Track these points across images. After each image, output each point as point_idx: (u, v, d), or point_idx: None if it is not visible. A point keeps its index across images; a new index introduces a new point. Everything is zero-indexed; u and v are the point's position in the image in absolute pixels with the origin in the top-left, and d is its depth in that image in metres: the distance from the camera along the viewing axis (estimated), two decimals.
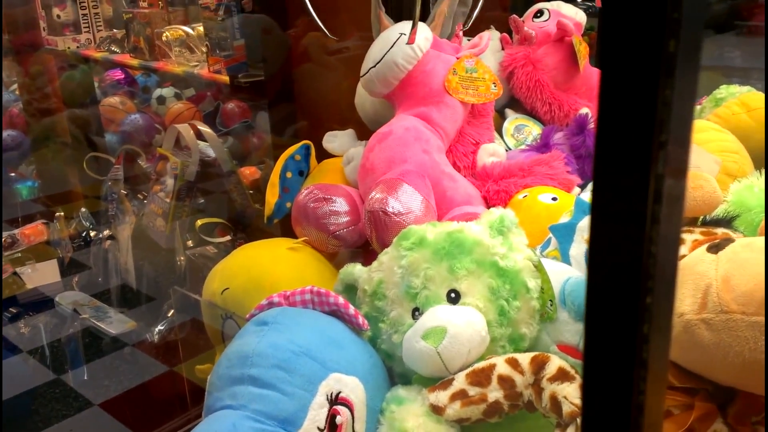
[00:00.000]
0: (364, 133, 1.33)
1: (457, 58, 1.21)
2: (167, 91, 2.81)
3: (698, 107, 1.42)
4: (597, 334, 0.24)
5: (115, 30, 2.72)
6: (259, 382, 0.70)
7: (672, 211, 0.22)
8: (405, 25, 1.20)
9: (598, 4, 1.69)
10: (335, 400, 0.73)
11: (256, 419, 0.67)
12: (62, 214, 2.10)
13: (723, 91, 1.34)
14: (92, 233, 2.07)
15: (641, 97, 0.21)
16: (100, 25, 2.74)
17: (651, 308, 0.23)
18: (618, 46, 0.21)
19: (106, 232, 2.02)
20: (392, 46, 1.17)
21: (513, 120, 1.42)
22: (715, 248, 0.60)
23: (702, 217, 0.74)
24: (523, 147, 1.34)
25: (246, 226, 1.86)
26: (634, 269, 0.22)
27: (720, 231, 0.71)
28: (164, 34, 2.21)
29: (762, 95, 1.18)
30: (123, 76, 2.98)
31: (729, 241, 0.61)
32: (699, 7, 0.21)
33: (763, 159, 1.01)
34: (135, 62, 2.45)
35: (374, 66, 1.18)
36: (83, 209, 2.14)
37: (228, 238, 1.72)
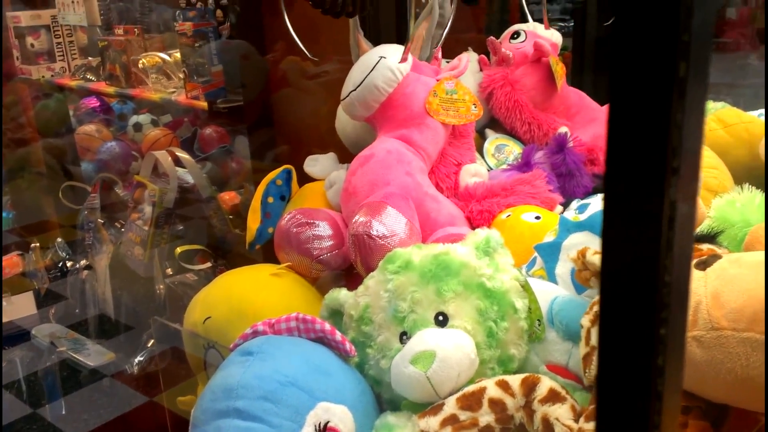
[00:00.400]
0: (345, 156, 1.33)
1: (437, 80, 1.22)
2: (144, 118, 2.79)
3: None
4: (611, 366, 0.23)
5: (90, 58, 2.70)
6: (245, 415, 0.68)
7: (685, 237, 0.22)
8: (384, 49, 1.21)
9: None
10: (323, 430, 0.71)
11: None
12: (38, 244, 2.05)
13: None
14: (69, 263, 2.03)
15: (654, 122, 0.20)
16: (75, 53, 2.72)
17: (665, 340, 0.22)
18: (628, 70, 0.20)
19: (83, 262, 1.98)
20: (372, 70, 1.17)
21: (493, 140, 1.43)
22: (702, 265, 0.60)
23: None
24: (504, 167, 1.35)
25: (227, 252, 1.84)
26: (648, 299, 0.22)
27: (705, 247, 0.71)
28: (140, 61, 2.19)
29: (737, 111, 1.20)
30: (98, 104, 2.94)
31: (716, 257, 0.61)
32: (707, 28, 0.20)
33: (741, 174, 1.03)
34: (111, 90, 2.43)
35: (354, 89, 1.18)
36: (59, 239, 2.10)
37: (208, 264, 1.69)
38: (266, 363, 0.73)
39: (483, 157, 1.40)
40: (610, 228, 0.23)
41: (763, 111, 1.24)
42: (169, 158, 1.81)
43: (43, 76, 2.68)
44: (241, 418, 0.68)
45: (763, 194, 0.81)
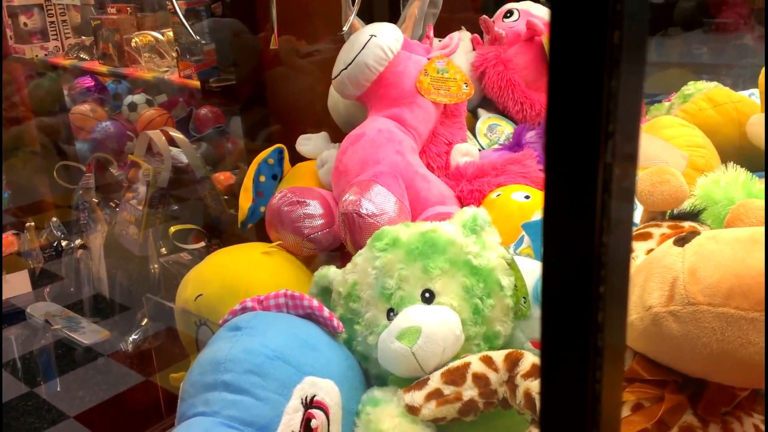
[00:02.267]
0: (337, 135, 1.33)
1: (429, 59, 1.22)
2: (138, 98, 2.78)
3: (667, 104, 1.44)
4: (552, 324, 0.24)
5: (83, 37, 2.68)
6: (233, 388, 0.69)
7: (622, 200, 0.23)
8: (375, 27, 1.20)
9: None
10: (310, 404, 0.72)
11: (230, 425, 0.67)
12: (33, 224, 2.06)
13: (691, 87, 1.37)
14: (63, 243, 2.03)
15: (588, 88, 0.21)
16: (68, 33, 2.70)
17: (605, 297, 0.23)
18: (565, 39, 0.21)
19: (78, 242, 1.99)
20: (363, 48, 1.17)
21: (485, 120, 1.43)
22: (681, 241, 0.61)
23: (669, 211, 0.75)
24: (496, 146, 1.35)
25: (221, 232, 1.84)
26: (586, 259, 0.22)
27: (687, 224, 0.72)
28: (133, 40, 2.18)
29: (728, 90, 1.20)
30: (93, 84, 2.93)
31: (695, 234, 0.62)
32: (641, 1, 0.21)
33: (730, 153, 1.03)
34: (104, 69, 2.42)
35: (345, 68, 1.18)
36: (54, 219, 2.10)
37: (202, 244, 1.70)
38: (254, 338, 0.74)
39: (475, 136, 1.41)
40: (550, 192, 0.23)
41: (754, 90, 1.24)
42: (163, 138, 1.81)
43: (36, 56, 2.66)
44: (228, 390, 0.69)
45: (748, 173, 0.82)
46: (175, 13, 1.47)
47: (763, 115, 1.06)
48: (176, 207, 1.93)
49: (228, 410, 0.68)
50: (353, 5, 1.31)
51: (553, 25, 0.21)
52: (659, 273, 0.59)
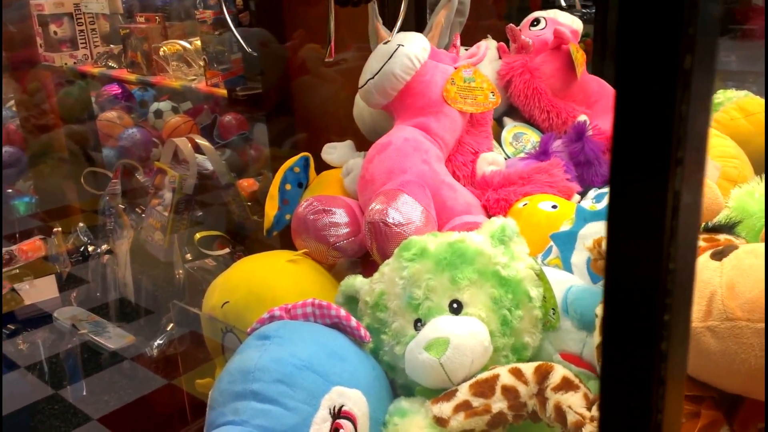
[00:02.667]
0: (362, 144, 1.33)
1: (455, 68, 1.22)
2: (164, 105, 2.82)
3: None
4: (615, 352, 0.24)
5: (112, 45, 2.73)
6: (261, 397, 0.69)
7: (689, 226, 0.22)
8: (403, 36, 1.21)
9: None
10: (338, 414, 0.72)
11: None
12: (60, 229, 2.09)
13: (720, 96, 1.35)
14: (90, 248, 2.06)
15: (658, 113, 0.21)
16: (97, 41, 2.75)
17: (669, 325, 0.22)
18: (634, 62, 0.21)
19: (104, 247, 2.01)
20: (390, 57, 1.17)
21: (511, 128, 1.42)
22: (719, 255, 0.60)
23: (704, 223, 0.74)
24: (522, 155, 1.34)
25: (245, 239, 1.86)
26: (652, 286, 0.22)
27: (722, 237, 0.70)
28: (161, 49, 2.21)
29: (759, 100, 1.18)
30: (120, 91, 2.98)
31: (733, 247, 0.61)
32: (713, 21, 0.21)
33: (763, 164, 1.01)
34: (132, 77, 2.46)
35: (372, 77, 1.18)
36: (81, 224, 2.13)
37: (227, 250, 1.71)
38: (282, 347, 0.74)
39: (501, 145, 1.40)
40: (615, 216, 0.23)
41: None
42: (189, 145, 1.83)
43: (65, 64, 2.71)
44: (257, 400, 0.69)
45: None
46: (226, 23, 1.49)
47: None
48: (201, 213, 1.95)
49: (257, 419, 0.68)
50: (378, 15, 1.32)
51: (622, 49, 0.21)
52: (697, 287, 0.58)
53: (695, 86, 0.20)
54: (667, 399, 0.23)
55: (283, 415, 0.68)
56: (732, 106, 1.18)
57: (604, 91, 1.47)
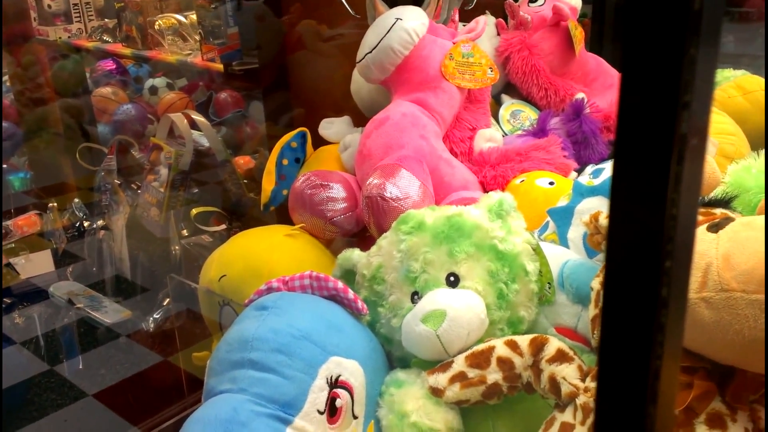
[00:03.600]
0: (360, 119, 1.33)
1: (454, 43, 1.21)
2: (159, 81, 2.79)
3: None
4: (615, 296, 0.24)
5: (106, 19, 2.70)
6: (259, 366, 0.70)
7: (693, 173, 0.22)
8: (401, 10, 1.20)
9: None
10: (335, 384, 0.73)
11: (257, 402, 0.67)
12: (55, 204, 2.08)
13: (717, 75, 1.34)
14: (86, 224, 2.05)
15: (667, 55, 0.20)
16: (92, 15, 2.72)
17: (670, 272, 0.22)
18: (643, 4, 0.20)
19: (100, 222, 2.01)
20: (388, 32, 1.16)
21: (509, 105, 1.42)
22: (715, 227, 0.60)
23: (701, 197, 0.74)
24: (519, 132, 1.34)
25: (241, 215, 1.86)
26: (655, 231, 0.22)
27: (719, 211, 0.71)
28: (157, 23, 2.18)
29: (757, 78, 1.18)
30: (114, 67, 2.95)
31: (729, 220, 0.61)
32: None
33: (760, 141, 1.02)
34: (127, 51, 2.43)
35: (370, 52, 1.17)
36: (76, 200, 2.12)
37: (223, 226, 1.71)
38: (280, 317, 0.75)
39: (498, 122, 1.40)
40: (621, 162, 0.23)
41: None
42: (185, 121, 1.82)
43: (60, 38, 2.68)
44: (255, 369, 0.70)
45: None
46: None
47: None
48: (197, 190, 1.94)
49: (255, 388, 0.68)
50: None
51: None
52: (693, 259, 0.59)
53: (704, 29, 0.20)
54: (666, 345, 0.23)
55: (281, 384, 0.69)
56: (730, 84, 1.18)
57: (602, 70, 1.46)
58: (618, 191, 0.23)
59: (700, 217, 0.71)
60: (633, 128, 0.22)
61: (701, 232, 0.61)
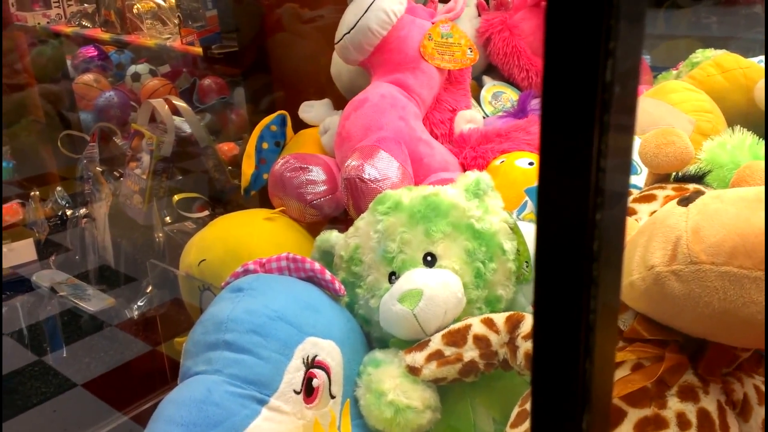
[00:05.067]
0: (340, 102, 1.32)
1: (433, 23, 1.20)
2: (142, 68, 2.76)
3: (675, 71, 1.42)
4: (547, 252, 0.24)
5: (86, 4, 2.66)
6: (235, 347, 0.69)
7: (622, 123, 0.22)
8: None
9: None
10: (312, 364, 0.73)
11: (232, 383, 0.67)
12: (37, 193, 2.06)
13: (699, 55, 1.34)
14: (68, 212, 2.04)
15: (590, 5, 0.20)
16: (71, 0, 2.68)
17: (600, 225, 0.22)
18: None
19: (83, 211, 1.99)
20: (366, 12, 1.15)
21: (490, 87, 1.41)
22: (685, 201, 0.60)
23: (674, 174, 0.74)
24: (500, 113, 1.34)
25: (225, 202, 1.85)
26: (583, 183, 0.22)
27: (692, 187, 0.71)
28: (135, 7, 2.15)
29: (736, 56, 1.18)
30: (96, 53, 2.91)
31: (699, 194, 0.61)
32: None
33: (737, 119, 1.02)
34: (106, 36, 2.40)
35: (348, 32, 1.16)
36: (59, 188, 2.10)
37: (206, 213, 1.70)
38: (256, 299, 0.74)
39: (480, 104, 1.39)
40: (548, 112, 0.23)
41: (763, 57, 1.22)
42: (166, 107, 1.80)
43: (38, 23, 2.64)
44: (230, 350, 0.69)
45: (754, 136, 0.81)
46: None
47: None
48: (181, 177, 1.93)
49: (230, 369, 0.68)
50: None
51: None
52: (662, 233, 0.59)
53: (624, 13, 0.20)
54: (600, 299, 0.23)
55: (256, 365, 0.69)
56: (709, 63, 1.18)
57: None
58: (546, 144, 0.23)
59: (672, 193, 0.71)
60: (558, 77, 0.22)
61: (672, 206, 0.61)
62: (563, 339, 0.24)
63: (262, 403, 0.68)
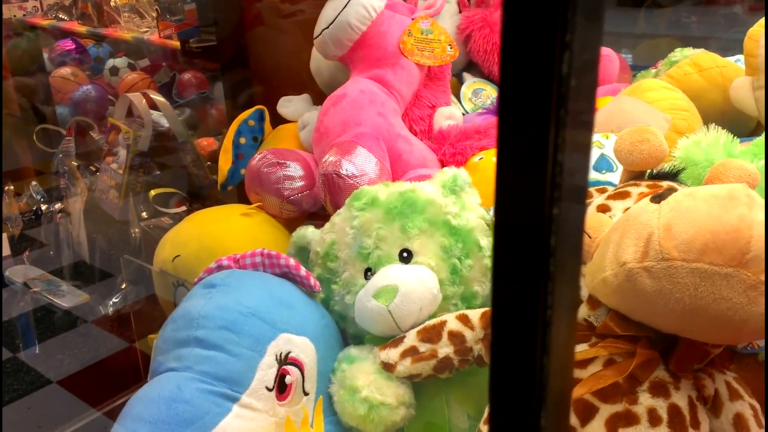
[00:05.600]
0: (320, 98, 1.31)
1: (413, 19, 1.19)
2: (120, 62, 2.72)
3: (653, 70, 1.43)
4: (503, 247, 0.23)
5: None
6: (206, 344, 0.68)
7: (579, 115, 0.21)
8: None
9: None
10: (285, 360, 0.72)
11: (202, 380, 0.66)
12: (12, 188, 2.02)
13: (677, 53, 1.35)
14: (43, 207, 2.00)
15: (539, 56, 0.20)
16: None
17: (557, 219, 0.22)
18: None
19: (58, 206, 1.96)
20: (345, 7, 1.14)
21: (470, 84, 1.41)
22: (658, 198, 0.61)
23: (649, 171, 0.74)
24: (480, 110, 1.34)
25: (203, 198, 1.83)
26: (539, 178, 0.21)
27: (666, 184, 0.71)
28: (112, 0, 2.12)
29: (713, 55, 1.19)
30: (74, 47, 2.87)
31: (672, 191, 0.62)
32: None
33: (714, 117, 1.02)
34: (83, 29, 2.36)
35: (327, 27, 1.15)
36: (34, 183, 2.07)
37: (184, 208, 1.68)
38: (228, 295, 0.73)
39: (460, 101, 1.39)
40: (505, 104, 0.22)
41: (740, 56, 1.23)
42: (144, 100, 1.78)
43: (14, 16, 2.59)
44: (201, 346, 0.68)
45: (729, 134, 0.81)
46: None
47: (748, 78, 1.05)
48: (159, 172, 1.90)
49: (200, 366, 0.67)
50: None
51: None
52: (635, 229, 0.59)
53: (582, 5, 0.20)
54: (557, 295, 0.22)
55: (228, 361, 0.68)
56: (686, 61, 1.19)
57: None
58: (502, 138, 0.22)
59: (646, 190, 0.71)
60: (514, 70, 0.21)
61: (645, 203, 0.62)
62: (520, 335, 0.23)
63: (234, 400, 0.67)
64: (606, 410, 0.61)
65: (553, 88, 0.20)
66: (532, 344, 0.22)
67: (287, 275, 0.83)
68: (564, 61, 0.20)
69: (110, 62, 2.76)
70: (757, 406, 0.66)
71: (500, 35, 0.21)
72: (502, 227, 0.23)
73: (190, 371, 0.67)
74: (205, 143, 2.16)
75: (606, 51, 1.53)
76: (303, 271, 0.82)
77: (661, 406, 0.61)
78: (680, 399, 0.62)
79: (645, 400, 0.61)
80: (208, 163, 1.93)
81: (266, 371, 0.70)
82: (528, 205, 0.22)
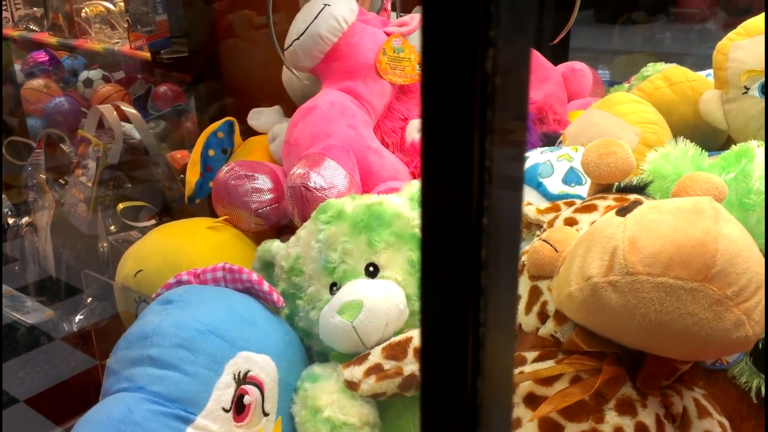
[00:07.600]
0: (293, 110, 1.29)
1: (387, 35, 1.18)
2: (94, 74, 2.68)
3: (626, 85, 1.43)
4: (431, 261, 0.21)
5: (34, 8, 2.58)
6: (159, 363, 0.66)
7: (508, 117, 0.20)
8: None
9: None
10: (243, 380, 0.69)
11: (154, 401, 0.63)
12: None
13: (650, 68, 1.36)
14: (10, 221, 1.95)
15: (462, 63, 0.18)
16: (19, 4, 2.59)
17: (488, 230, 0.20)
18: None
19: (26, 219, 1.91)
20: (315, 18, 1.13)
21: None
22: (623, 211, 0.59)
23: (617, 184, 0.73)
24: None
25: (175, 211, 1.79)
26: (464, 185, 0.19)
27: (633, 197, 0.70)
28: (83, 11, 2.09)
29: (684, 69, 1.19)
30: (47, 58, 2.82)
31: (637, 204, 0.60)
32: None
33: (685, 131, 1.02)
34: (53, 40, 2.33)
35: (298, 38, 1.14)
36: (2, 196, 2.02)
37: (153, 222, 1.65)
38: (185, 311, 0.71)
39: None
40: (428, 110, 0.20)
41: (711, 71, 1.23)
42: (114, 113, 1.74)
43: None
44: (155, 366, 0.66)
45: (697, 148, 0.81)
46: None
47: (717, 92, 1.05)
48: (130, 185, 1.87)
49: (153, 386, 0.64)
50: None
51: None
52: (600, 243, 0.58)
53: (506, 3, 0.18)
54: (490, 310, 0.21)
55: (182, 381, 0.65)
56: (657, 75, 1.19)
57: (536, 62, 1.46)
58: (426, 144, 0.20)
59: (613, 203, 0.70)
60: (435, 69, 0.19)
61: (610, 216, 0.60)
62: (450, 356, 0.21)
63: (187, 422, 0.64)
64: (572, 429, 0.59)
65: (476, 87, 0.19)
66: (464, 366, 0.21)
67: (250, 290, 0.80)
68: (488, 58, 0.18)
69: (84, 74, 2.72)
70: (726, 423, 0.64)
71: (421, 32, 0.19)
72: (428, 240, 0.21)
73: (142, 392, 0.64)
74: (179, 156, 2.13)
75: (579, 65, 1.53)
76: (266, 286, 0.80)
77: (628, 424, 0.59)
78: (647, 417, 0.61)
79: (612, 419, 0.59)
80: (182, 176, 1.90)
81: (223, 391, 0.67)
82: (455, 215, 0.20)
